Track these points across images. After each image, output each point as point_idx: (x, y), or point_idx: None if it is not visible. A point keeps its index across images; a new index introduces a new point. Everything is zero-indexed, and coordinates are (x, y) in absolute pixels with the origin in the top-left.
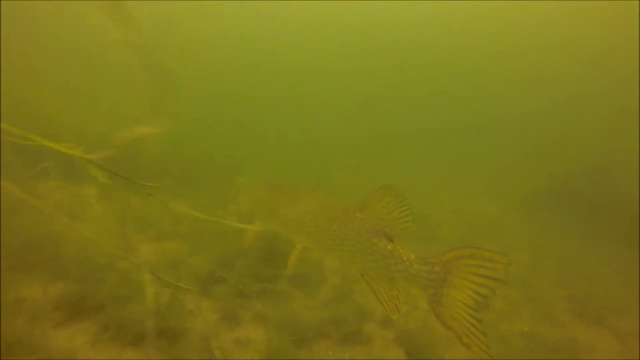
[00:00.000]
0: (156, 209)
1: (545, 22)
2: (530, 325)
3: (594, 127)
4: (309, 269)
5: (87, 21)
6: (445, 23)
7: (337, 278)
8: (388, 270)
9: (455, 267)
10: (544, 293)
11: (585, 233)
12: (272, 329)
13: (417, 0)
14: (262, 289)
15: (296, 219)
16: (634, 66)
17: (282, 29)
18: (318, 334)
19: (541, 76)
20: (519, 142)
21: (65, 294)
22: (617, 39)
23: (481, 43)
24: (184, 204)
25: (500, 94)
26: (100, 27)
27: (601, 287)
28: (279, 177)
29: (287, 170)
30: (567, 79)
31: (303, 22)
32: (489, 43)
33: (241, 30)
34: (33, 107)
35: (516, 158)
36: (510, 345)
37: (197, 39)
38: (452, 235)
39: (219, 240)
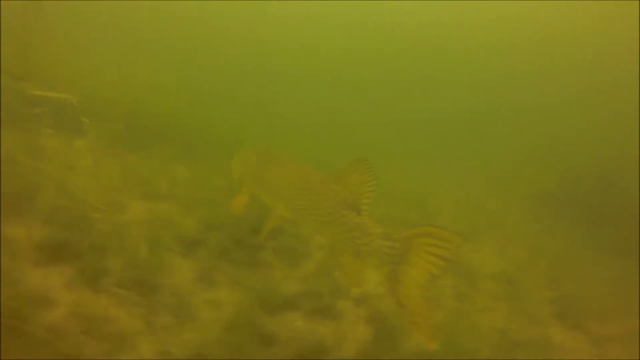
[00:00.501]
0: (154, 169)
1: (561, 15)
2: (506, 321)
3: (606, 126)
4: (296, 242)
5: None
6: (460, 15)
7: (322, 254)
8: (354, 242)
9: (413, 245)
10: (529, 292)
11: (586, 238)
12: (244, 294)
13: None
14: (244, 256)
15: (278, 188)
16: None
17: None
18: (290, 304)
19: (555, 71)
20: (531, 139)
21: (48, 239)
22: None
23: (495, 36)
24: (182, 168)
25: (513, 88)
26: None
27: (589, 292)
28: (276, 149)
29: (287, 146)
30: (580, 75)
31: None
32: (504, 36)
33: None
34: None
35: (526, 155)
36: (478, 335)
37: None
38: (451, 226)
39: (210, 206)
